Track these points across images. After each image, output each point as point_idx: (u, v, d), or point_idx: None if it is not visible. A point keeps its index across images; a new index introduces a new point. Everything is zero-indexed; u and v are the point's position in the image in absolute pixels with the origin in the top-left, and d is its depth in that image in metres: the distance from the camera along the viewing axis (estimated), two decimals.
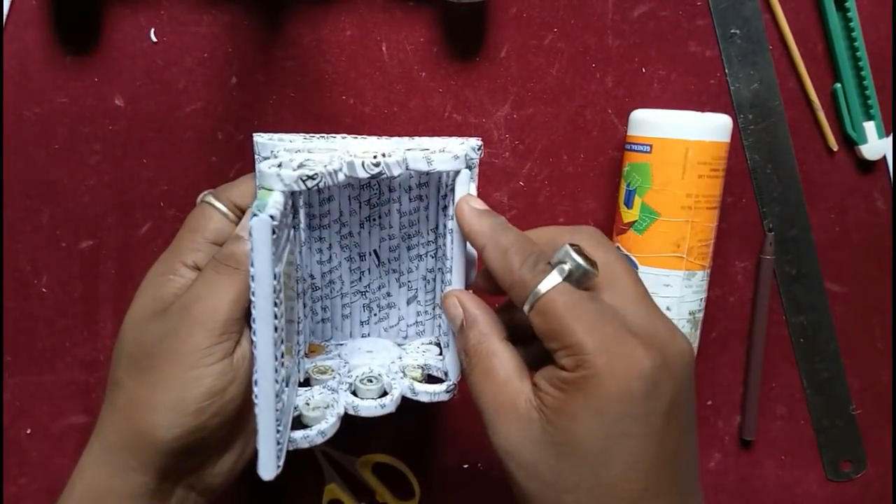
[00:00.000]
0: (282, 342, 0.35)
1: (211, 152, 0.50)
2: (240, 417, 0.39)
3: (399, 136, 0.44)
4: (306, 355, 0.45)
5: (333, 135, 0.42)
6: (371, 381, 0.41)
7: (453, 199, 0.38)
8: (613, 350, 0.31)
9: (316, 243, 0.44)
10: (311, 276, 0.45)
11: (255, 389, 0.34)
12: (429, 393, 0.40)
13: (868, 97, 0.52)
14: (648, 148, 0.47)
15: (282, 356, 0.35)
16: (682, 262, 0.47)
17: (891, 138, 0.53)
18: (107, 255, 0.51)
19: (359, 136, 0.42)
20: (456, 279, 0.38)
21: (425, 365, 0.43)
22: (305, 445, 0.38)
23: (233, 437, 0.42)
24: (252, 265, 0.32)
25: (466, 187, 0.38)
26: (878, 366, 0.56)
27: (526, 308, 0.33)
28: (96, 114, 0.49)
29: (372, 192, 0.44)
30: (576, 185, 0.52)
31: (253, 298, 0.32)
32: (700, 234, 0.47)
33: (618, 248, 0.49)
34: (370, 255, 0.45)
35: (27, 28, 0.48)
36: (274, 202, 0.32)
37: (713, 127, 0.46)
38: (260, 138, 0.39)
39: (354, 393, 0.41)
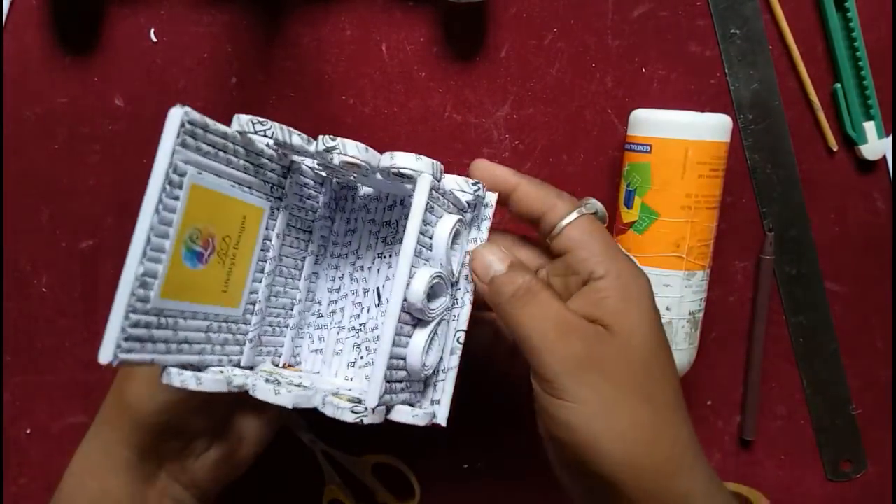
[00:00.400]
0: (165, 236, 0.34)
1: None
2: (226, 414, 0.42)
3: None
4: (279, 366, 0.43)
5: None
6: (297, 386, 0.38)
7: (407, 212, 0.37)
8: (627, 262, 0.38)
9: (332, 271, 0.45)
10: (319, 303, 0.45)
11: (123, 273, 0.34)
12: (333, 405, 0.35)
13: (868, 97, 0.52)
14: (648, 148, 0.47)
15: (162, 251, 0.34)
16: (682, 262, 0.47)
17: (891, 138, 0.53)
18: (107, 255, 0.51)
19: None
20: (398, 286, 0.35)
21: (359, 398, 0.38)
22: (176, 383, 0.35)
23: (218, 433, 0.43)
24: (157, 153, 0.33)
25: (425, 194, 0.35)
26: (878, 366, 0.56)
27: (561, 225, 0.38)
28: (96, 114, 0.49)
29: (390, 230, 0.44)
30: (576, 185, 0.52)
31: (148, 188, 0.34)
32: (700, 234, 0.47)
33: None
34: (373, 292, 0.44)
35: (27, 28, 0.48)
36: (212, 121, 0.35)
37: (713, 127, 0.46)
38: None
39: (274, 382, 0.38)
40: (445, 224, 0.37)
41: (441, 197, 0.37)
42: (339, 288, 0.44)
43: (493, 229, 0.41)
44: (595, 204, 0.41)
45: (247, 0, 0.49)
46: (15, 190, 0.50)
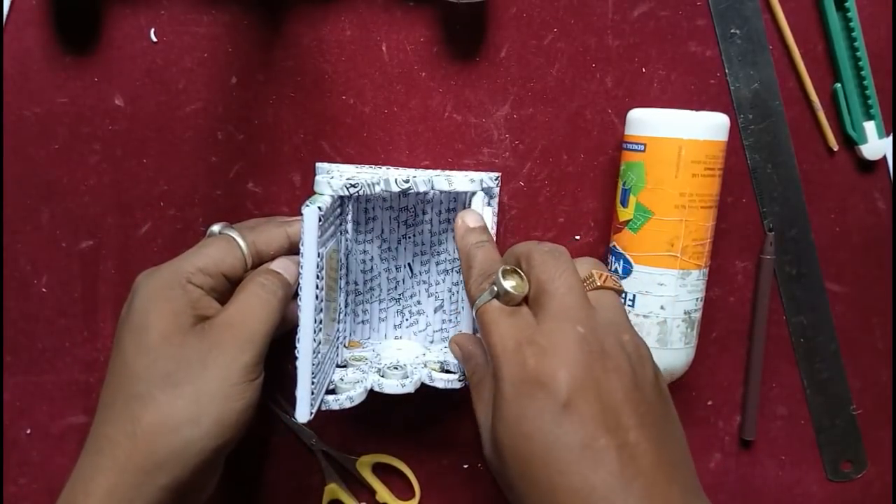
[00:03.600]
0: (320, 311, 0.42)
1: (211, 152, 0.50)
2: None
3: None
4: (346, 347, 0.52)
5: (380, 166, 0.51)
6: (396, 369, 0.48)
7: None
8: (509, 356, 0.36)
9: (361, 255, 0.52)
10: (356, 283, 0.52)
11: (298, 346, 0.41)
12: (444, 380, 0.47)
13: (868, 97, 0.52)
14: (643, 147, 0.47)
15: (320, 322, 0.42)
16: (676, 261, 0.47)
17: (891, 138, 0.53)
18: (107, 255, 0.51)
19: (399, 168, 0.50)
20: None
21: (444, 361, 0.50)
22: (336, 407, 0.44)
23: (221, 464, 0.43)
24: (302, 245, 0.40)
25: (480, 207, 0.46)
26: (878, 366, 0.56)
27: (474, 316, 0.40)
28: (96, 114, 0.49)
29: (409, 213, 0.51)
30: (576, 185, 0.52)
31: (301, 271, 0.41)
32: (695, 233, 0.47)
33: (613, 246, 0.49)
34: (405, 267, 0.52)
35: (27, 28, 0.48)
36: (322, 200, 0.42)
37: (707, 126, 0.46)
38: (321, 164, 0.50)
39: (382, 376, 0.47)
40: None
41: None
42: (372, 268, 0.52)
43: None
44: (497, 275, 0.39)
45: (247, 0, 0.49)
46: (15, 190, 0.50)
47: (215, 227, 0.46)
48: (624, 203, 0.48)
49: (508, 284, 0.38)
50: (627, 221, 0.48)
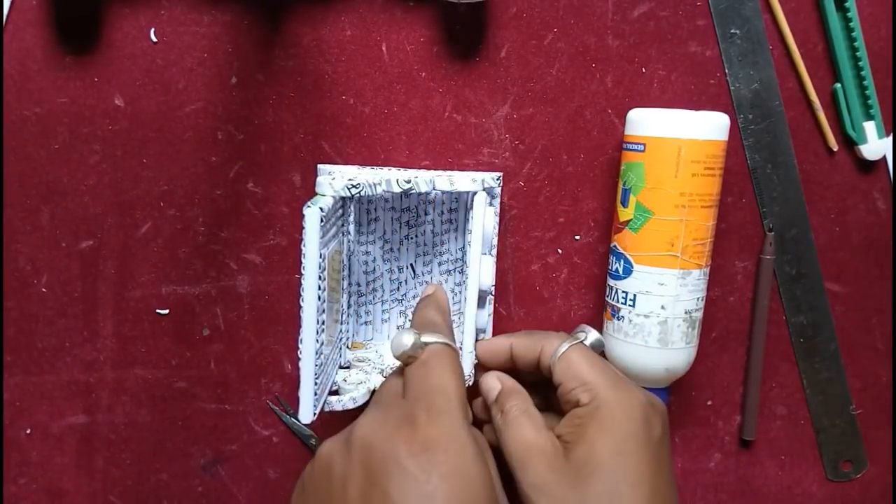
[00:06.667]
0: (323, 312, 0.42)
1: (211, 152, 0.50)
2: None
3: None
4: (349, 348, 0.52)
5: (381, 167, 0.51)
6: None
7: (471, 216, 0.46)
8: (618, 388, 0.40)
9: (363, 256, 0.52)
10: (358, 284, 0.52)
11: (300, 347, 0.41)
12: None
13: (868, 97, 0.52)
14: (642, 147, 0.47)
15: (322, 324, 0.42)
16: (676, 261, 0.47)
17: (891, 138, 0.53)
18: (107, 255, 0.51)
19: (401, 168, 0.51)
20: (472, 277, 0.46)
21: None
22: (339, 408, 0.45)
23: None
24: (303, 246, 0.41)
25: (483, 207, 0.46)
26: (878, 366, 0.56)
27: (553, 362, 0.42)
28: (96, 114, 0.49)
29: (411, 214, 0.52)
30: (576, 185, 0.52)
31: (303, 271, 0.41)
32: (695, 232, 0.47)
33: (614, 246, 0.49)
34: (407, 268, 0.53)
35: (27, 28, 0.48)
36: (324, 201, 0.42)
37: (706, 125, 0.46)
38: (322, 166, 0.50)
39: (385, 377, 0.48)
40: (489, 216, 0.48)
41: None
42: (374, 269, 0.53)
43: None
44: (585, 333, 0.45)
45: (247, 0, 0.49)
46: (15, 190, 0.50)
47: (409, 339, 0.39)
48: (624, 203, 0.48)
49: (594, 335, 0.45)
50: (628, 221, 0.48)
